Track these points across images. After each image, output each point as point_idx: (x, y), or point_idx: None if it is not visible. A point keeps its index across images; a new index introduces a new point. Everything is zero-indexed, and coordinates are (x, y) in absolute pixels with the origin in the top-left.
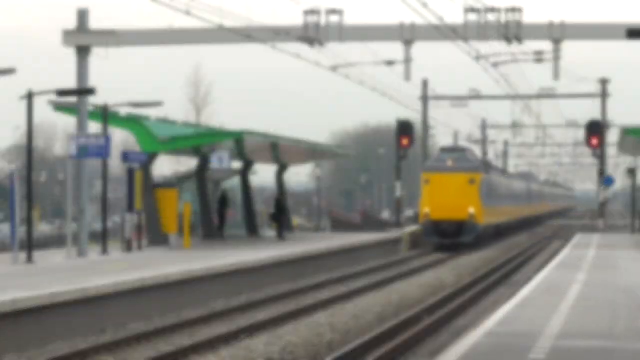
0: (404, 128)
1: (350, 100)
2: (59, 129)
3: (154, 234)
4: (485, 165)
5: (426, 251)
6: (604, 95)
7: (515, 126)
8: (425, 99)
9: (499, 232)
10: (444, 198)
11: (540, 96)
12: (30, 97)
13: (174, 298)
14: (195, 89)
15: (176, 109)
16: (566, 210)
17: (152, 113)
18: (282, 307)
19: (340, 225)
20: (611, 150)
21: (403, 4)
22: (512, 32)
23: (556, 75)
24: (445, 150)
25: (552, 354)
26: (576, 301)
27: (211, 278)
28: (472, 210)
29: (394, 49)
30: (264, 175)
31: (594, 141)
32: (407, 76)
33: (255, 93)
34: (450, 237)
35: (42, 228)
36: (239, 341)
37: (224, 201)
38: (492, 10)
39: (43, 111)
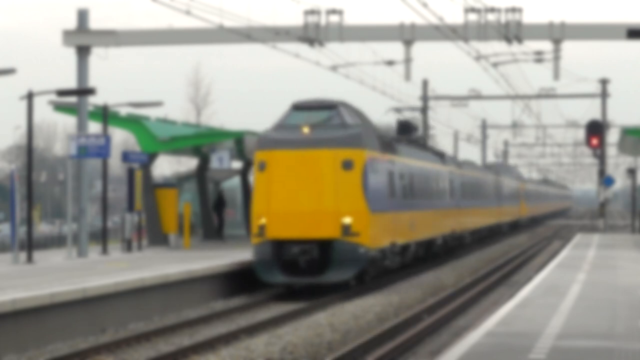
0: (405, 128)
1: (350, 100)
2: (59, 129)
3: (154, 234)
4: (381, 138)
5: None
6: (604, 95)
7: (515, 126)
8: (425, 99)
9: (432, 255)
10: (292, 198)
11: (540, 96)
12: (30, 97)
13: (174, 298)
14: (195, 89)
15: (176, 109)
16: (558, 213)
17: (152, 113)
18: (282, 307)
19: None
20: (611, 150)
21: (403, 4)
22: (512, 32)
23: (556, 75)
24: (299, 107)
25: (552, 354)
26: (576, 301)
27: (211, 278)
28: (348, 220)
29: (394, 49)
30: None
31: (594, 141)
32: (407, 76)
33: (255, 93)
34: (306, 273)
35: (42, 228)
36: (239, 341)
37: (220, 202)
38: (492, 10)
39: (43, 111)
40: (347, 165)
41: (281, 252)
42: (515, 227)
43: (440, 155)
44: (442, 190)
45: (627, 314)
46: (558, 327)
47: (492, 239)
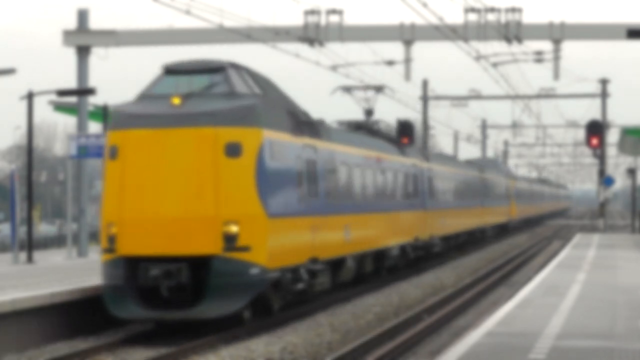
0: (404, 128)
1: (350, 99)
2: (59, 129)
3: None
4: (295, 115)
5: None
6: (604, 95)
7: (515, 126)
8: (425, 99)
9: (387, 269)
10: (153, 198)
11: (540, 96)
12: (30, 97)
13: None
14: None
15: None
16: (555, 214)
17: None
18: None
19: None
20: (611, 150)
21: (403, 4)
22: (512, 32)
23: (556, 75)
24: (172, 71)
25: (552, 354)
26: (576, 301)
27: None
28: (233, 228)
29: (394, 49)
30: None
31: (594, 141)
32: (407, 76)
33: None
34: (172, 304)
35: (42, 228)
36: (239, 341)
37: None
38: (492, 10)
39: (43, 111)
40: (233, 150)
41: (137, 273)
42: (504, 230)
43: (398, 145)
44: (398, 187)
45: (627, 314)
46: (558, 327)
47: (482, 243)
